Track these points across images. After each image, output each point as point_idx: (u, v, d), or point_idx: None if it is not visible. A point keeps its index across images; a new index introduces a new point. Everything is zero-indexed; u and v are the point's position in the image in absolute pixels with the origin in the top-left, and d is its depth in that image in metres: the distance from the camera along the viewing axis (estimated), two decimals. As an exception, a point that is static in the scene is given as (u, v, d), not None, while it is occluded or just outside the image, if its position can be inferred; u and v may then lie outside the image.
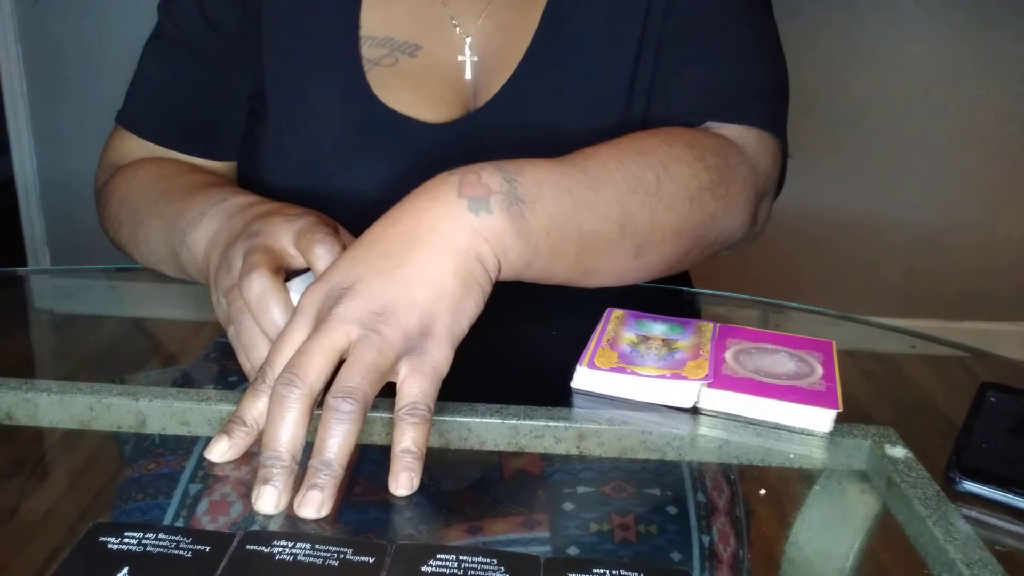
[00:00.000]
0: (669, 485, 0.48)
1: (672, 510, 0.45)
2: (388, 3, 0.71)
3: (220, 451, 0.47)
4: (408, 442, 0.45)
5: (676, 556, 0.42)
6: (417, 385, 0.46)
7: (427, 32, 0.71)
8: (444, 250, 0.49)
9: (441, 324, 0.48)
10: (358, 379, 0.44)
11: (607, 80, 0.72)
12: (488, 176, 0.52)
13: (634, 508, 0.45)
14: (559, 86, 0.71)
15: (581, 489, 0.46)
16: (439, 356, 0.47)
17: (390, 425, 0.49)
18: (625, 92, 0.72)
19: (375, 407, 0.50)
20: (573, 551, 0.41)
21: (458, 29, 0.71)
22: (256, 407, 0.47)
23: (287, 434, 0.44)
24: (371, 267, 0.48)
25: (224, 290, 0.53)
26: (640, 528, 0.44)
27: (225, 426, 0.47)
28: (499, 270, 0.52)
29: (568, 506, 0.45)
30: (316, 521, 0.42)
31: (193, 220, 0.61)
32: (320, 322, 0.46)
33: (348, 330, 0.46)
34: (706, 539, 0.43)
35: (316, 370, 0.45)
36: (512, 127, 0.71)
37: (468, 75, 0.71)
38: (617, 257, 0.59)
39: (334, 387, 0.45)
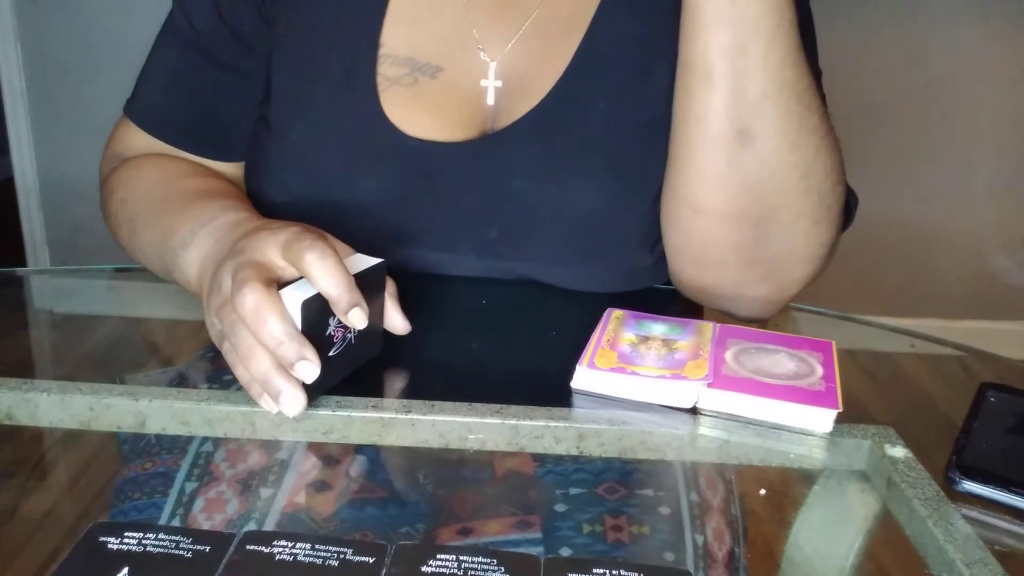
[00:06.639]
0: (662, 485, 0.48)
1: (665, 510, 0.45)
2: (413, 21, 0.70)
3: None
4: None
5: (669, 556, 0.42)
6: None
7: (451, 55, 0.70)
8: None
9: None
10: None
11: (638, 113, 0.69)
12: None
13: (627, 509, 0.45)
14: (589, 116, 0.69)
15: (574, 490, 0.46)
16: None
17: (391, 426, 0.49)
18: (657, 128, 0.69)
19: (375, 407, 0.51)
20: (565, 552, 0.41)
21: (483, 54, 0.70)
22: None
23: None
24: None
25: (216, 309, 0.53)
26: (633, 529, 0.44)
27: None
28: None
29: (560, 507, 0.45)
30: (315, 521, 0.42)
31: (183, 241, 0.61)
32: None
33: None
34: (700, 539, 0.43)
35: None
36: (531, 152, 0.69)
37: (491, 100, 0.70)
38: (738, 104, 0.60)
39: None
